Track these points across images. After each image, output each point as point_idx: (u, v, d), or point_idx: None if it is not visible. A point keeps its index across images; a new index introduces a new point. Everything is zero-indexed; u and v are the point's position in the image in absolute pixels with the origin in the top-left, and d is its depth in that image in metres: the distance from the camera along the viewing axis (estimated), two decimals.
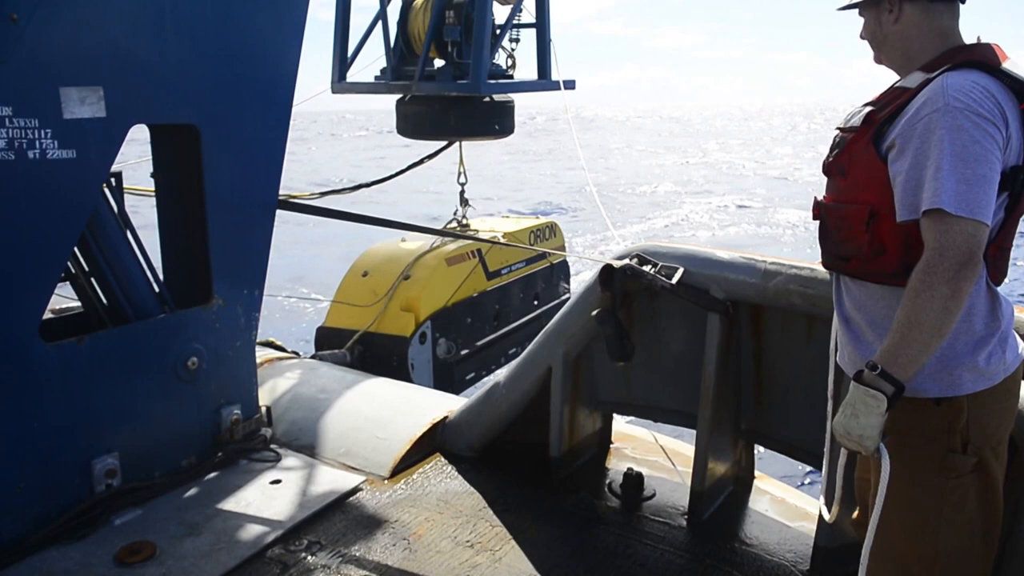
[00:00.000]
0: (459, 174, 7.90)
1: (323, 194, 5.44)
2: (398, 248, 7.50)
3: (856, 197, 2.13)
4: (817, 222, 2.33)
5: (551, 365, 3.82)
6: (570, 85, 7.64)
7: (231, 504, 3.54)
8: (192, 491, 3.64)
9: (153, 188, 3.92)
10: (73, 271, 3.51)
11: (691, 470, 3.56)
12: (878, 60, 2.26)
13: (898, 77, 2.20)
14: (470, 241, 7.56)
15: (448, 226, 8.20)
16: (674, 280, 3.33)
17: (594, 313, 3.46)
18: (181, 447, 3.75)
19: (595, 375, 4.01)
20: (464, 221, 8.17)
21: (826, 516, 2.48)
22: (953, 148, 1.88)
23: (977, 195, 1.87)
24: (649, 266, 3.41)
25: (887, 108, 2.08)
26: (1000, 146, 1.91)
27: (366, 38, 7.62)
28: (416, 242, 7.62)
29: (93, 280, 3.55)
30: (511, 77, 7.52)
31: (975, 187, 1.87)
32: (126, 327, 3.50)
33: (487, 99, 7.31)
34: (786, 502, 3.67)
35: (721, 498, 3.65)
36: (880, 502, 2.04)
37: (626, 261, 3.45)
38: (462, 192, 7.99)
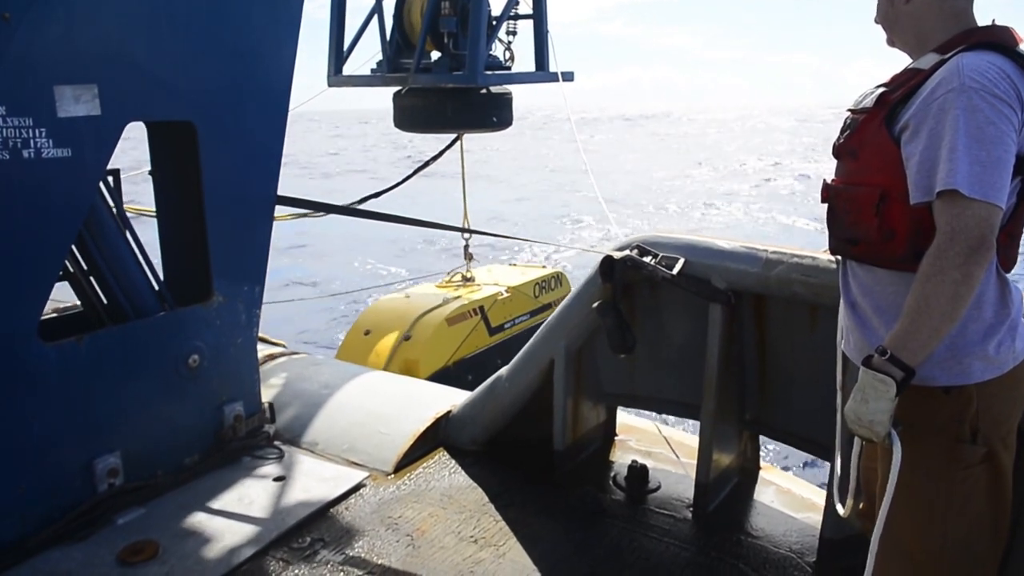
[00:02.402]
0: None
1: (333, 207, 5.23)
2: (401, 305, 7.60)
3: (867, 179, 2.10)
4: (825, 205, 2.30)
5: (553, 358, 3.80)
6: (568, 77, 7.62)
7: (234, 502, 3.53)
8: (195, 489, 3.62)
9: (154, 209, 3.92)
10: (72, 270, 3.49)
11: (696, 462, 3.54)
12: (891, 43, 2.22)
13: (910, 61, 2.17)
14: (473, 299, 7.61)
15: (452, 279, 8.22)
16: (675, 271, 3.30)
17: (595, 305, 3.44)
18: (183, 445, 3.74)
19: (598, 367, 3.99)
20: (468, 274, 8.23)
21: (840, 511, 2.45)
22: (968, 129, 1.85)
23: (992, 177, 1.83)
24: (650, 257, 3.39)
25: (900, 89, 2.04)
26: (1016, 128, 1.88)
27: (363, 30, 7.59)
28: (420, 296, 7.68)
29: (92, 279, 3.53)
30: (509, 69, 7.49)
31: (990, 169, 1.83)
32: (126, 325, 3.48)
33: (484, 91, 7.28)
34: (792, 493, 3.65)
35: (726, 490, 3.63)
36: (890, 491, 2.02)
37: (626, 252, 3.42)
38: (466, 247, 8.04)
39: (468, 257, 8.18)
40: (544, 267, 9.21)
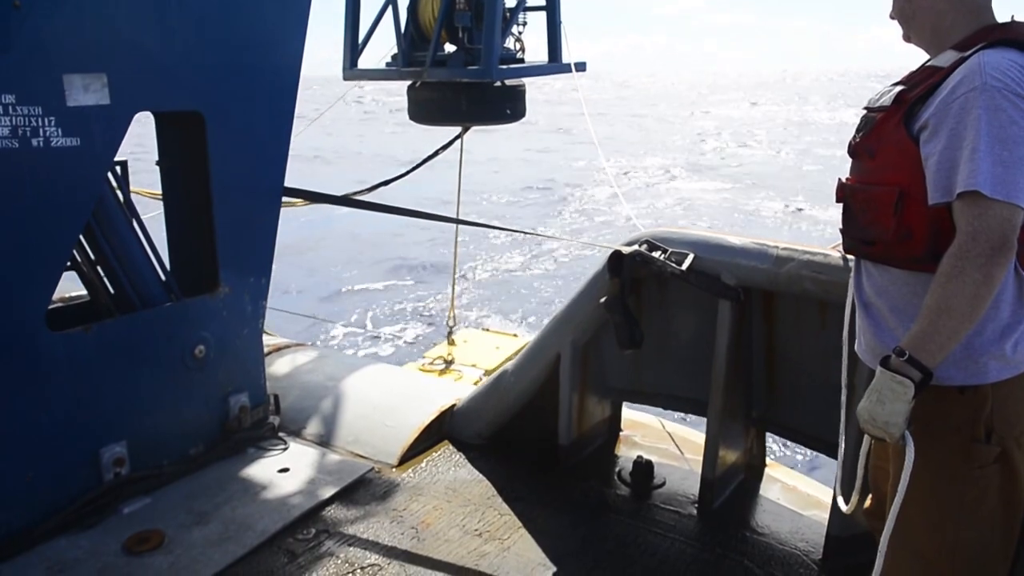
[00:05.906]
0: (449, 317, 8.14)
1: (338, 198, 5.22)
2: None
3: (884, 179, 2.06)
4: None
5: (559, 352, 3.78)
6: (581, 67, 7.59)
7: (239, 492, 3.54)
8: (200, 480, 3.64)
9: (160, 191, 3.92)
10: (79, 260, 3.50)
11: (701, 458, 3.52)
12: (907, 38, 2.19)
13: (927, 56, 2.14)
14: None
15: (434, 361, 8.34)
16: (684, 266, 3.28)
17: (603, 300, 3.43)
18: (189, 435, 3.75)
19: (604, 362, 3.98)
20: (448, 357, 8.38)
21: (843, 507, 2.43)
22: (990, 129, 1.82)
23: (1014, 178, 1.80)
24: (659, 252, 3.36)
25: (919, 88, 2.01)
26: None
27: (376, 24, 7.59)
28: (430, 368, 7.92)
29: (99, 269, 3.54)
30: (521, 61, 7.48)
31: (1012, 170, 1.80)
32: (133, 315, 3.49)
33: (498, 84, 7.27)
34: (797, 490, 3.63)
35: (732, 486, 3.61)
36: (902, 490, 1.99)
37: (635, 247, 3.40)
38: (450, 333, 8.20)
39: (451, 343, 8.33)
40: (515, 335, 9.37)
